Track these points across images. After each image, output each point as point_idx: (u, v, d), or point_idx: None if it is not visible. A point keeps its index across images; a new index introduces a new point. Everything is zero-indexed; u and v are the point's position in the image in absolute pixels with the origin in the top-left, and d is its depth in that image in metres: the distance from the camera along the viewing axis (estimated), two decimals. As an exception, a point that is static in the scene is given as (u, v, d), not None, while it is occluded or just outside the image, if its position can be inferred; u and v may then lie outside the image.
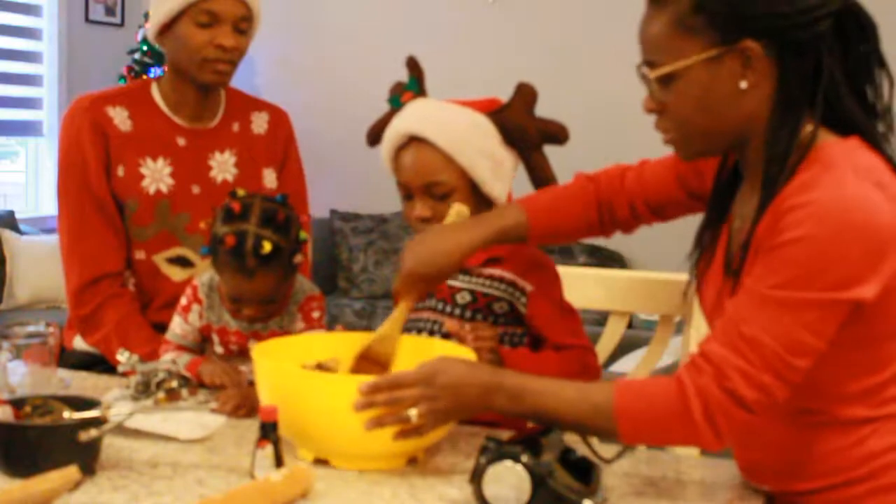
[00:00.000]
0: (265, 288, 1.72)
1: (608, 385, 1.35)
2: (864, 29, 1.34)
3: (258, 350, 1.55)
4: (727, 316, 1.31)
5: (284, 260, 1.72)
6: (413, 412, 1.37)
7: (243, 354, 1.82)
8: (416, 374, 1.39)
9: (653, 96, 1.38)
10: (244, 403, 1.68)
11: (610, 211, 1.67)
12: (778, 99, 1.33)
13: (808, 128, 1.32)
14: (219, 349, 1.85)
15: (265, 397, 1.49)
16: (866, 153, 1.32)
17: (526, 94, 1.73)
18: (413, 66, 1.79)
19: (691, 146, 1.41)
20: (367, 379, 1.41)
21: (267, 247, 1.67)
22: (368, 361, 1.60)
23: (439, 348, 1.62)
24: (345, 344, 1.67)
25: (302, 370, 1.55)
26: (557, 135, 1.72)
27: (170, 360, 1.79)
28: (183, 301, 1.86)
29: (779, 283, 1.26)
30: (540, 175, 1.75)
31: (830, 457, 1.37)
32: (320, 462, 1.46)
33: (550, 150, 1.75)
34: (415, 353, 1.58)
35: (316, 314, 1.84)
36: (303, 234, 1.76)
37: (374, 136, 1.79)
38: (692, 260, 1.51)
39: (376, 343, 1.61)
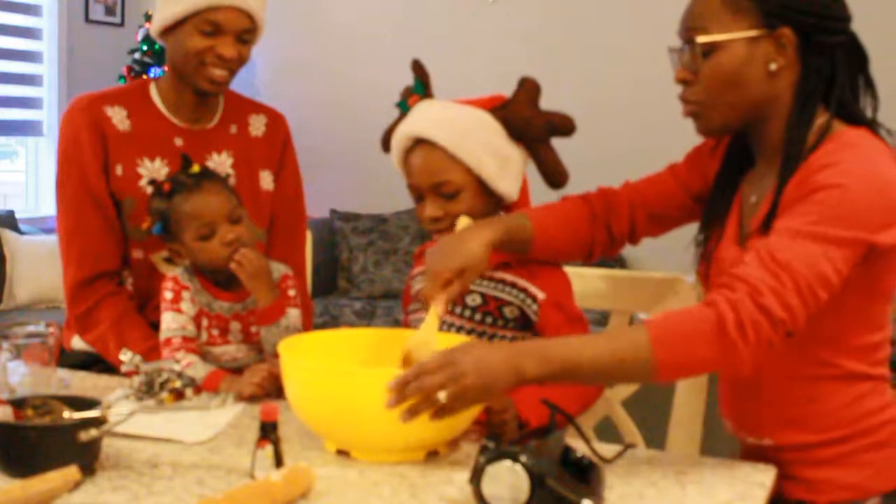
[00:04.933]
0: (219, 199, 1.85)
1: (637, 324, 1.44)
2: (863, 57, 1.54)
3: (284, 346, 1.56)
4: (757, 249, 1.41)
5: (221, 181, 1.91)
6: (442, 394, 1.37)
7: (224, 337, 1.85)
8: (438, 359, 1.39)
9: (687, 66, 1.51)
10: (269, 381, 1.72)
11: (607, 227, 1.73)
12: (799, 88, 1.50)
13: (823, 118, 1.49)
14: (204, 336, 1.87)
15: (291, 391, 1.52)
16: (877, 139, 1.49)
17: (529, 88, 1.72)
18: (418, 69, 1.79)
19: (713, 119, 1.53)
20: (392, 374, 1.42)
21: (195, 167, 1.90)
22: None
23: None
24: (370, 340, 1.70)
25: (326, 365, 1.56)
26: (563, 126, 1.71)
27: (183, 365, 1.79)
28: (168, 295, 1.87)
29: (811, 220, 1.40)
30: (550, 168, 1.74)
31: (831, 411, 1.51)
32: (342, 454, 1.49)
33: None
34: None
35: (291, 292, 1.91)
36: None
37: (386, 142, 1.80)
38: (700, 236, 1.63)
39: (415, 349, 1.58)
